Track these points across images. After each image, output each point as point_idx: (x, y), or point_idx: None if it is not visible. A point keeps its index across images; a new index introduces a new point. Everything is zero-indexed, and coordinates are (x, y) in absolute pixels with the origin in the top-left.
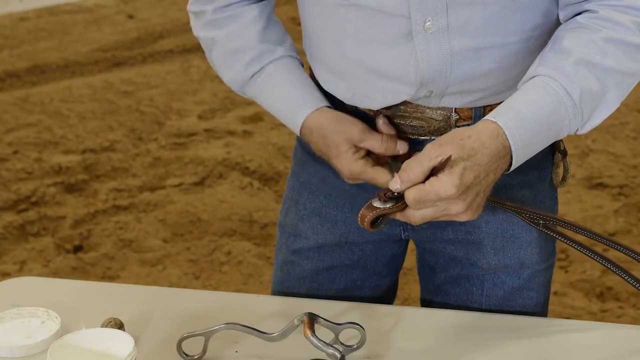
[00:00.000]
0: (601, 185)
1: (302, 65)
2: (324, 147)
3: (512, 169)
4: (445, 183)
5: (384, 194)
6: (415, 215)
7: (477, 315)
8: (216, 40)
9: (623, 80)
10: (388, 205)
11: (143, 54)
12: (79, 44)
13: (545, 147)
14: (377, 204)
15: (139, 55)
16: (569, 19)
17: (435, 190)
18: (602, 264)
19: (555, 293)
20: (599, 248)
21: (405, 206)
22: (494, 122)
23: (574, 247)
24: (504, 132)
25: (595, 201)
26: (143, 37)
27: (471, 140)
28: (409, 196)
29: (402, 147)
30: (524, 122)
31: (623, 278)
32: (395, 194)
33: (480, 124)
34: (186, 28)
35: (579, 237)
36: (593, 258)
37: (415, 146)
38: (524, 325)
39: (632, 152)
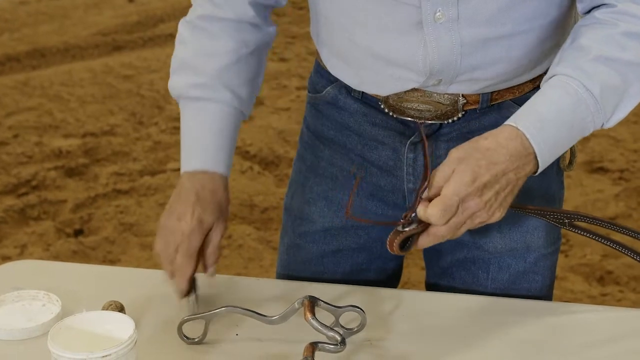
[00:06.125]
0: (602, 170)
1: (238, 121)
2: (175, 201)
3: (540, 170)
4: (458, 181)
5: (406, 218)
6: (442, 229)
7: (479, 298)
8: (185, 44)
9: None
10: (413, 227)
11: (143, 38)
12: (79, 27)
13: (572, 144)
14: (401, 228)
15: (140, 39)
16: (587, 13)
17: (453, 190)
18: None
19: (556, 277)
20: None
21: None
22: (514, 126)
23: (608, 245)
24: (523, 134)
25: (596, 185)
26: (143, 20)
27: (487, 142)
28: (434, 214)
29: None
30: (545, 124)
31: None
32: (414, 215)
33: (498, 128)
34: (186, 12)
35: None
36: (632, 257)
37: (424, 129)
38: (525, 308)
39: (633, 137)
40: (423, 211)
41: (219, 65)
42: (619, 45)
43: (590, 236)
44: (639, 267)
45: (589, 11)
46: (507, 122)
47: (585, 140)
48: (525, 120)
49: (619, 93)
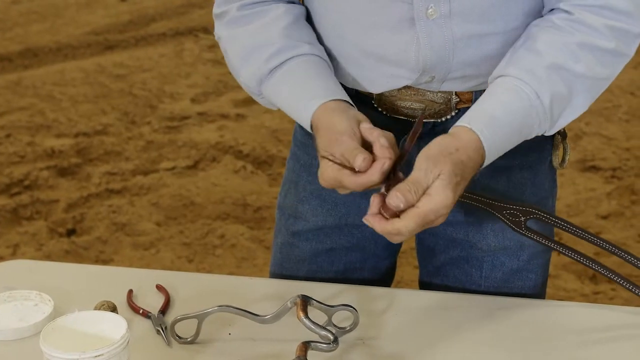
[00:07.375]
0: (594, 168)
1: (330, 67)
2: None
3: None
4: (439, 202)
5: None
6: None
7: (473, 297)
8: (237, 38)
9: (594, 85)
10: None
11: (136, 37)
12: (71, 27)
13: (510, 149)
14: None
15: (132, 39)
16: (547, 12)
17: (434, 209)
18: (592, 268)
19: (549, 275)
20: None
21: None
22: (473, 131)
23: (558, 250)
24: (482, 145)
25: (588, 184)
26: (136, 20)
27: (460, 154)
28: (410, 227)
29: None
30: (497, 128)
31: (614, 280)
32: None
33: (463, 136)
34: (179, 11)
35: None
36: (580, 261)
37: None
38: (518, 307)
39: (625, 135)
40: (391, 224)
41: (281, 26)
42: (574, 55)
43: (543, 241)
44: (630, 266)
45: (549, 10)
46: (462, 124)
47: (577, 138)
48: (479, 122)
49: (564, 103)
